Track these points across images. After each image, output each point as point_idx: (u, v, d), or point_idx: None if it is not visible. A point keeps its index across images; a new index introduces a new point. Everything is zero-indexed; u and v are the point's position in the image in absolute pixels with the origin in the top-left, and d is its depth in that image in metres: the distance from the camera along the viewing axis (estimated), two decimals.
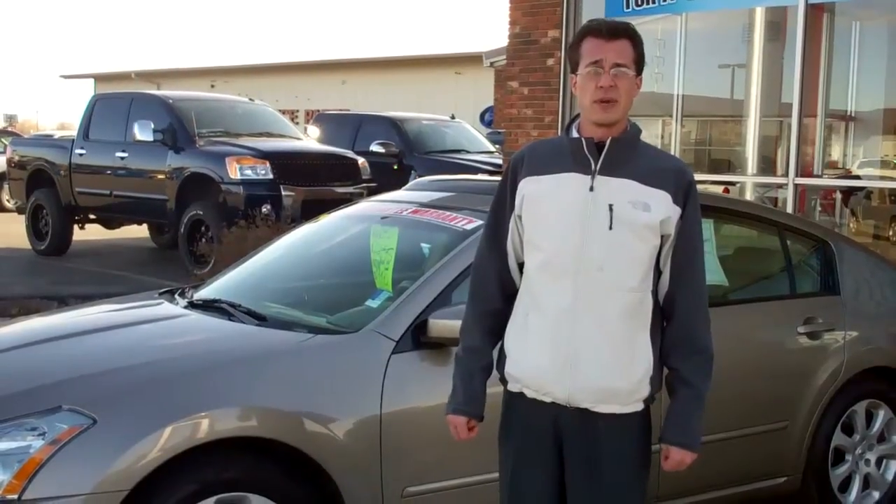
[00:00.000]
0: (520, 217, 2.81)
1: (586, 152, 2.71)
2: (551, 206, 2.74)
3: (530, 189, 2.78)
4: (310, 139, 13.87)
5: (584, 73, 2.71)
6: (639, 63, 2.73)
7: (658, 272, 2.78)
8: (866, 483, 4.88)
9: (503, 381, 2.88)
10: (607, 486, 2.75)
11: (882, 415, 4.89)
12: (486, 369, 2.90)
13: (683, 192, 2.74)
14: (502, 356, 2.87)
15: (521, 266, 2.87)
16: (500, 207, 2.88)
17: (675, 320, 2.80)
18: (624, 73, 2.69)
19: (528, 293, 2.81)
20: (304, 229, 5.10)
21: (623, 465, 2.76)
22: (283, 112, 16.77)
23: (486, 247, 2.92)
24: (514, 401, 2.85)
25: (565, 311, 2.71)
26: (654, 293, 2.78)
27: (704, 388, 2.80)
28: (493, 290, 2.89)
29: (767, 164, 10.22)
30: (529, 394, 2.80)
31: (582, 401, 2.72)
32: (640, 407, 2.77)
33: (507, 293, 2.89)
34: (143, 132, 11.87)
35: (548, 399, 2.76)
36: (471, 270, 3.00)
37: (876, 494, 4.89)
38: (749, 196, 9.16)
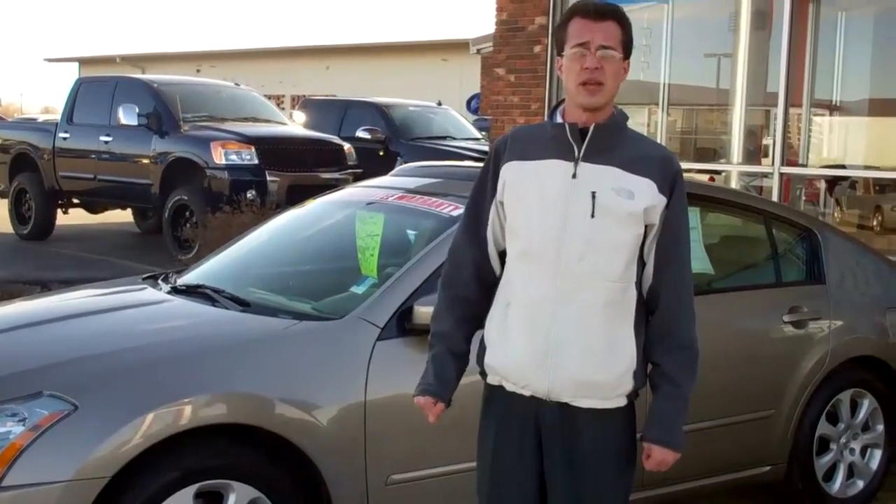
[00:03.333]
0: (501, 203, 2.76)
1: (570, 138, 2.66)
2: (532, 193, 2.69)
3: (511, 174, 2.73)
4: (295, 124, 13.82)
5: (570, 54, 2.65)
6: (626, 46, 2.67)
7: (642, 264, 2.73)
8: (850, 472, 4.90)
9: (483, 373, 2.83)
10: (588, 481, 2.70)
11: (867, 404, 4.90)
12: (455, 354, 2.83)
13: (670, 182, 2.68)
14: (482, 347, 2.82)
15: (500, 254, 2.82)
16: (481, 192, 2.83)
17: (658, 314, 2.73)
18: (611, 55, 2.63)
19: (509, 282, 2.76)
20: (288, 215, 5.07)
21: (604, 461, 2.71)
22: (269, 97, 16.71)
23: (463, 232, 2.86)
24: (494, 394, 2.80)
25: (545, 302, 2.65)
26: (639, 285, 2.73)
27: (688, 386, 2.73)
28: (468, 276, 2.83)
29: (753, 153, 10.22)
30: (509, 387, 2.74)
31: (561, 394, 2.67)
32: (622, 402, 2.71)
33: (482, 281, 2.83)
34: (127, 116, 11.81)
35: (527, 392, 2.71)
36: (447, 255, 2.94)
37: (860, 483, 4.91)
38: (734, 185, 9.17)
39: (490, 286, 2.83)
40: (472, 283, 2.84)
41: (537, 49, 9.89)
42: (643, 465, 2.77)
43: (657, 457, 2.73)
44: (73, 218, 13.95)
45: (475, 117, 19.50)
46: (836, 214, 10.67)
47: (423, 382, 2.85)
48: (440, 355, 2.84)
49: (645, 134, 8.33)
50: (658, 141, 9.06)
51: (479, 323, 2.85)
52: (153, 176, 11.74)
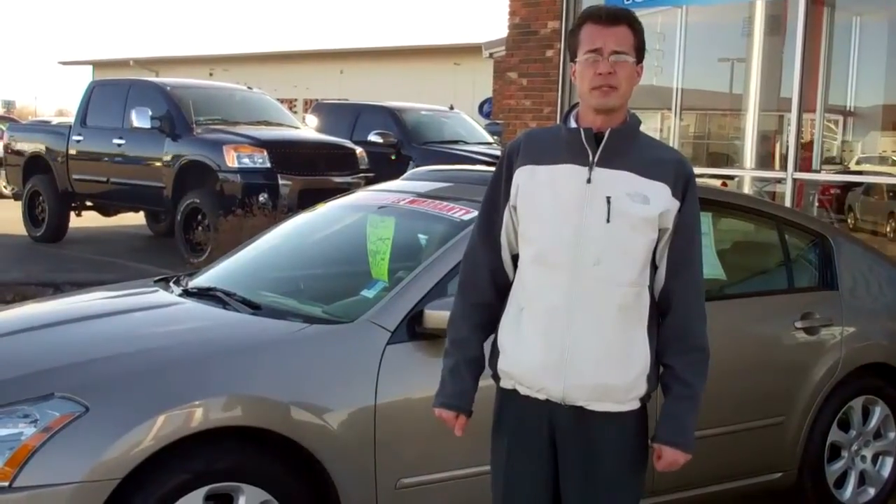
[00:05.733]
0: (514, 207, 2.76)
1: (584, 143, 2.66)
2: (547, 198, 2.69)
3: (525, 179, 2.72)
4: (308, 128, 13.83)
5: (583, 60, 2.65)
6: (639, 50, 2.67)
7: (654, 267, 2.73)
8: (862, 479, 4.87)
9: (496, 377, 2.82)
10: (602, 485, 2.71)
11: (878, 411, 4.88)
12: (474, 362, 2.83)
13: (683, 185, 2.69)
14: (495, 352, 2.82)
15: (514, 258, 2.81)
16: (495, 197, 2.82)
17: (670, 316, 2.74)
18: (623, 59, 2.63)
19: (522, 287, 2.76)
20: (300, 218, 5.08)
21: (618, 465, 2.72)
22: (282, 101, 16.73)
23: (478, 237, 2.86)
24: (507, 398, 2.80)
25: (560, 306, 2.65)
26: (651, 288, 2.73)
27: (699, 387, 2.74)
28: (484, 282, 2.83)
29: (766, 159, 10.20)
30: (523, 391, 2.75)
31: (577, 398, 2.67)
32: (636, 405, 2.72)
33: (499, 286, 2.83)
34: (140, 119, 11.83)
35: (542, 396, 2.71)
36: (462, 261, 2.94)
37: (871, 491, 4.88)
38: (747, 190, 9.15)
39: (505, 290, 2.83)
40: (488, 287, 2.83)
41: (550, 53, 9.88)
42: (654, 466, 2.77)
43: (668, 458, 2.74)
44: (86, 220, 13.99)
45: (487, 121, 19.51)
46: (849, 220, 10.64)
47: (442, 395, 2.85)
48: (457, 365, 2.83)
49: (658, 139, 8.35)
50: (671, 146, 9.07)
51: (495, 328, 2.85)
52: (166, 179, 11.76)
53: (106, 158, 12.61)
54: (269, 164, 11.20)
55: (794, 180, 8.43)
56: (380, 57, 34.78)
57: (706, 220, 4.35)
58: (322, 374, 3.52)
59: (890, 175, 10.70)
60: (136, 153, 12.21)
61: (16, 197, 14.30)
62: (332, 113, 15.49)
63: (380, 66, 33.87)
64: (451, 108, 16.44)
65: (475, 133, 15.53)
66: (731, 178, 9.73)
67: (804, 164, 9.22)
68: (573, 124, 2.72)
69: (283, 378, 3.45)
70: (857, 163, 11.12)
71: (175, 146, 11.73)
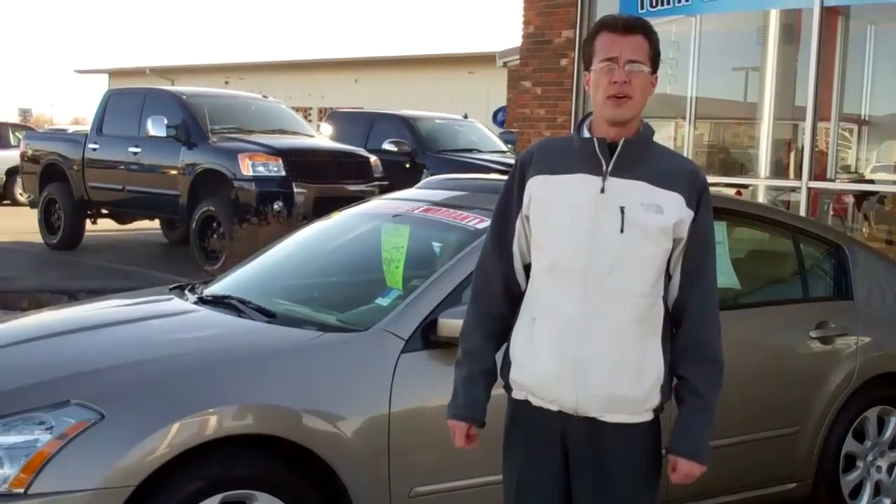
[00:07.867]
0: (527, 217, 2.75)
1: (598, 153, 2.65)
2: (560, 208, 2.68)
3: (538, 189, 2.72)
4: (322, 137, 13.87)
5: (598, 68, 2.65)
6: (654, 60, 2.67)
7: (668, 277, 2.72)
8: (877, 490, 4.85)
9: (507, 388, 2.82)
10: (615, 496, 2.69)
11: (894, 421, 4.85)
12: (487, 373, 2.82)
13: (697, 195, 2.68)
14: (507, 362, 2.81)
15: (526, 268, 2.80)
16: (507, 206, 2.82)
17: (684, 327, 2.73)
18: (639, 69, 2.63)
19: (535, 297, 2.75)
20: (315, 226, 5.09)
21: (631, 476, 2.70)
22: (297, 109, 16.81)
23: (491, 247, 2.85)
24: (520, 409, 2.79)
25: (574, 317, 2.65)
26: (665, 299, 2.72)
27: (714, 399, 2.73)
28: (497, 291, 2.82)
29: (780, 168, 10.17)
30: (535, 402, 2.74)
31: (589, 409, 2.66)
32: (649, 417, 2.71)
33: (512, 295, 2.82)
34: (156, 128, 11.89)
35: (554, 407, 2.70)
36: (474, 271, 2.94)
37: (887, 501, 4.85)
38: (761, 199, 9.13)
39: (517, 300, 2.82)
40: (500, 297, 2.82)
41: (564, 62, 9.89)
42: (669, 478, 2.76)
43: (684, 470, 2.73)
44: (101, 228, 14.05)
45: (501, 130, 19.53)
46: (864, 230, 10.59)
47: (454, 405, 2.85)
48: (470, 376, 2.83)
49: (672, 148, 8.34)
50: (685, 155, 9.07)
51: (508, 337, 2.84)
52: (181, 187, 11.81)
53: (122, 166, 12.67)
54: (283, 173, 11.25)
55: (809, 189, 8.41)
56: (394, 66, 34.84)
57: (720, 229, 4.33)
58: (336, 382, 3.52)
59: None
60: (151, 161, 12.27)
61: (32, 205, 14.38)
62: (347, 121, 15.53)
63: (394, 75, 33.93)
64: (466, 116, 16.46)
65: (489, 142, 15.54)
66: (745, 186, 9.71)
67: (819, 173, 9.20)
68: (586, 134, 2.72)
69: (297, 386, 3.46)
70: (873, 171, 11.07)
71: (190, 154, 11.78)
